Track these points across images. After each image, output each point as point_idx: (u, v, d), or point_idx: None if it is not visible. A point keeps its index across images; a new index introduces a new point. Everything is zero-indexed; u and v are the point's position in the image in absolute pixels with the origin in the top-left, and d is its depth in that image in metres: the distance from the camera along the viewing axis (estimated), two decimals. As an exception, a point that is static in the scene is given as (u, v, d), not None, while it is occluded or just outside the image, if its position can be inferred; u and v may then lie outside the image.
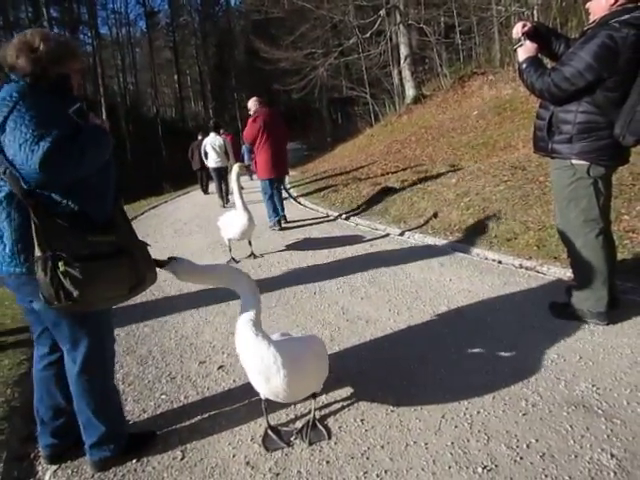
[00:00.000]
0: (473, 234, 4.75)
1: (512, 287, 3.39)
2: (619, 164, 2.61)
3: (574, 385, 2.12)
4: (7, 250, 1.68)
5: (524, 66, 2.53)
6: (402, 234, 5.37)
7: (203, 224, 7.13)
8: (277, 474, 1.80)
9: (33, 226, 1.61)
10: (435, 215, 5.55)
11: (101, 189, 1.78)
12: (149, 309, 3.70)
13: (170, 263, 1.90)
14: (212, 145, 9.54)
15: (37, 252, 1.61)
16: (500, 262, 4.01)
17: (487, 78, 14.97)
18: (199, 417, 2.23)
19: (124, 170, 28.02)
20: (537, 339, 2.59)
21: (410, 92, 18.12)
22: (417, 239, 5.14)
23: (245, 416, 2.19)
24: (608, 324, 2.62)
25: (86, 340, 1.82)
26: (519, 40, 2.59)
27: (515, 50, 2.68)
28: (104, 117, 29.36)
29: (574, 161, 2.50)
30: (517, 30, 2.59)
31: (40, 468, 2.06)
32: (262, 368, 1.76)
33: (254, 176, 7.61)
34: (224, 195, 9.65)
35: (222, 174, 9.55)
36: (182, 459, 1.96)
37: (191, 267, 1.91)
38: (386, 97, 21.99)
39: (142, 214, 10.13)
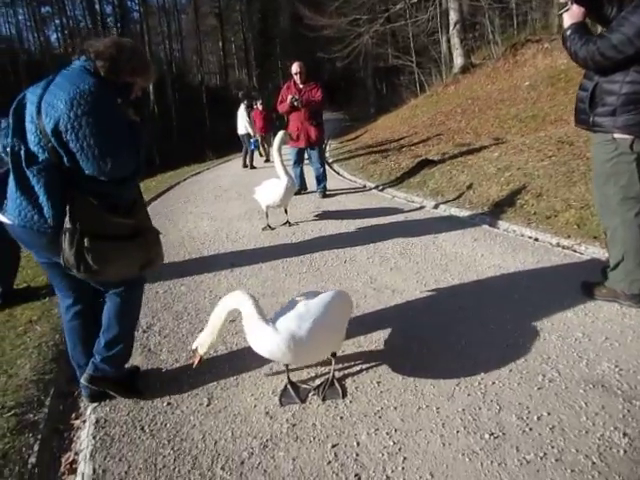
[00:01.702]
0: (511, 210, 4.64)
1: (545, 265, 3.33)
2: None
3: (596, 365, 2.11)
4: (42, 213, 1.81)
5: (568, 33, 2.41)
6: (437, 207, 5.32)
7: (242, 191, 7.28)
8: (293, 425, 1.91)
9: (69, 200, 1.77)
10: (472, 188, 5.44)
11: (130, 179, 1.94)
12: (186, 270, 3.88)
13: (199, 356, 2.01)
14: (241, 115, 11.22)
15: (67, 224, 1.77)
16: (537, 239, 3.93)
17: (542, 46, 14.13)
18: (226, 369, 2.37)
19: (170, 137, 28.71)
20: (564, 318, 2.56)
21: (458, 61, 17.39)
22: (453, 212, 5.08)
23: (268, 370, 2.31)
24: (640, 305, 2.56)
25: (126, 286, 2.08)
26: (565, 4, 2.45)
27: (561, 15, 2.55)
28: (151, 86, 29.95)
29: (616, 135, 2.39)
30: None
31: (82, 405, 2.27)
32: (265, 351, 1.90)
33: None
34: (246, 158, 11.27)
35: (245, 140, 11.28)
36: (208, 405, 2.10)
37: (207, 336, 1.99)
38: (433, 66, 21.26)
39: (185, 180, 10.41)
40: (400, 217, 5.02)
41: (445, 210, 5.21)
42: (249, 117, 11.14)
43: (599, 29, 2.52)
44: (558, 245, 3.72)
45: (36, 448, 1.95)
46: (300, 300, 2.04)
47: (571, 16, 2.44)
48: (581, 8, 2.42)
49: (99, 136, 1.72)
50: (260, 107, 11.50)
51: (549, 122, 7.74)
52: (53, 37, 37.68)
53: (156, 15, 36.84)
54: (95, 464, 1.81)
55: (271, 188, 4.82)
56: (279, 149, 4.78)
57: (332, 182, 7.46)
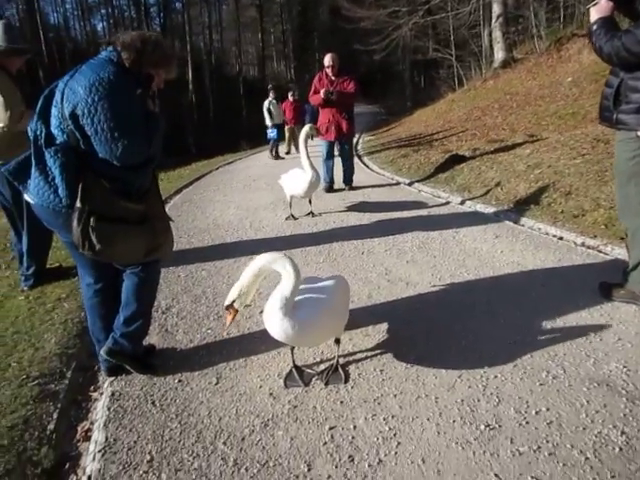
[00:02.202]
0: (537, 208, 4.54)
1: (566, 264, 3.26)
2: None
3: (603, 364, 2.07)
4: (57, 192, 1.91)
5: (594, 28, 2.35)
6: (463, 203, 5.25)
7: (271, 182, 7.37)
8: (295, 406, 1.97)
9: (82, 181, 1.86)
10: (500, 185, 5.34)
11: (143, 166, 2.01)
12: (208, 255, 3.99)
13: (233, 310, 1.98)
14: (274, 106, 11.63)
15: (77, 203, 1.86)
16: (561, 238, 3.84)
17: (588, 41, 13.59)
18: (236, 352, 2.45)
19: (207, 127, 29.23)
20: (578, 317, 2.52)
21: (499, 55, 16.94)
22: (478, 209, 5.00)
23: (276, 355, 2.38)
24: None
25: (144, 265, 2.18)
26: None
27: (588, 10, 2.48)
28: (190, 76, 30.55)
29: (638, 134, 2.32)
30: None
31: (100, 378, 2.40)
32: (284, 338, 1.95)
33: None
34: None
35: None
36: (216, 384, 2.19)
37: (237, 291, 1.97)
38: (472, 60, 20.79)
39: (217, 169, 10.62)
40: (423, 212, 4.99)
41: (470, 206, 5.14)
42: (271, 108, 11.40)
43: (627, 24, 2.43)
44: (583, 245, 3.62)
45: (55, 416, 2.08)
46: (306, 285, 2.09)
47: (598, 10, 2.37)
48: (609, 2, 2.35)
49: (112, 121, 1.80)
50: (291, 98, 11.61)
51: (589, 120, 7.46)
52: (99, 26, 38.81)
53: (198, 6, 37.44)
54: (108, 433, 1.92)
55: (296, 179, 4.88)
56: (305, 142, 4.82)
57: (360, 175, 7.46)
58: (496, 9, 16.55)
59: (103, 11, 37.56)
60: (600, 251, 3.47)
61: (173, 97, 25.11)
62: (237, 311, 1.98)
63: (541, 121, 8.63)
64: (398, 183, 6.90)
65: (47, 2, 33.24)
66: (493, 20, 16.90)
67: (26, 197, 2.07)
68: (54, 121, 1.89)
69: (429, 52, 25.06)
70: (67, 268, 3.85)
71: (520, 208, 4.69)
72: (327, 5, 37.21)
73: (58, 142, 1.88)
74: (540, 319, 2.52)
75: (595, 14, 2.38)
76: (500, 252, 3.58)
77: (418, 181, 6.78)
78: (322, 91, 5.82)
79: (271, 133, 11.48)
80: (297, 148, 11.74)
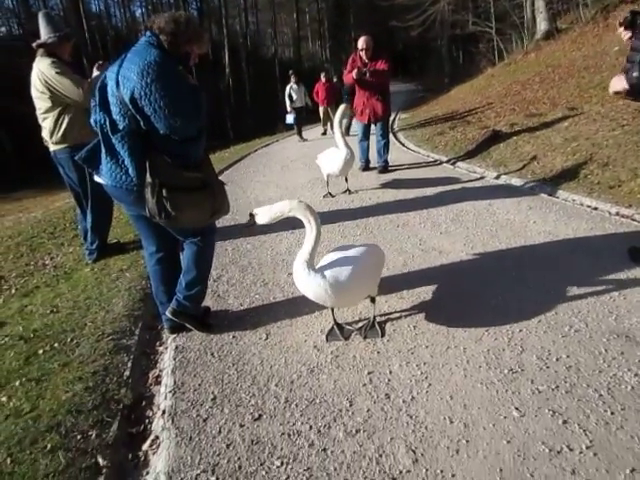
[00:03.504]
0: (574, 180, 4.57)
1: (598, 232, 3.34)
2: None
3: (624, 319, 2.21)
4: (128, 173, 2.19)
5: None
6: (498, 177, 5.31)
7: (308, 162, 7.57)
8: (336, 356, 2.22)
9: (148, 160, 2.12)
10: (537, 159, 5.35)
11: (197, 138, 2.24)
12: (251, 230, 4.26)
13: (253, 219, 2.29)
14: (294, 91, 11.66)
15: (148, 179, 2.13)
16: (596, 209, 3.89)
17: (638, 7, 12.94)
18: (282, 312, 2.72)
19: (243, 110, 29.60)
20: (604, 279, 2.64)
21: (542, 26, 16.35)
22: (513, 182, 5.06)
23: (318, 315, 2.63)
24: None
25: (201, 236, 2.45)
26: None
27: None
28: (227, 59, 30.89)
29: None
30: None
31: (164, 336, 2.72)
32: (316, 296, 2.20)
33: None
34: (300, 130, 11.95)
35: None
36: (266, 339, 2.46)
37: (266, 213, 2.26)
38: (514, 33, 20.10)
39: (255, 151, 10.91)
40: (458, 186, 5.10)
41: (505, 180, 5.20)
42: (291, 93, 11.56)
43: None
44: (617, 214, 3.67)
45: (129, 365, 2.41)
46: (338, 251, 2.32)
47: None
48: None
49: (167, 98, 2.00)
50: (324, 79, 11.76)
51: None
52: (138, 12, 39.50)
53: (233, -13, 37.46)
54: (175, 378, 2.23)
55: (331, 157, 5.06)
56: (340, 122, 4.99)
57: (396, 153, 7.55)
58: (539, -23, 15.93)
59: (142, -3, 38.18)
60: (634, 219, 3.52)
61: (211, 82, 25.55)
62: (254, 224, 2.29)
63: (584, 93, 8.39)
64: (434, 160, 6.98)
65: (89, -10, 34.05)
66: (535, -11, 16.28)
67: (98, 179, 2.37)
68: (114, 109, 2.13)
69: (468, 26, 24.34)
70: (124, 243, 4.23)
71: (556, 181, 4.72)
72: (362, -18, 36.54)
73: (121, 127, 2.13)
74: (567, 282, 2.66)
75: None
76: (533, 222, 3.68)
77: (454, 158, 6.82)
78: (354, 72, 5.79)
79: (288, 119, 11.83)
80: (332, 128, 12.00)
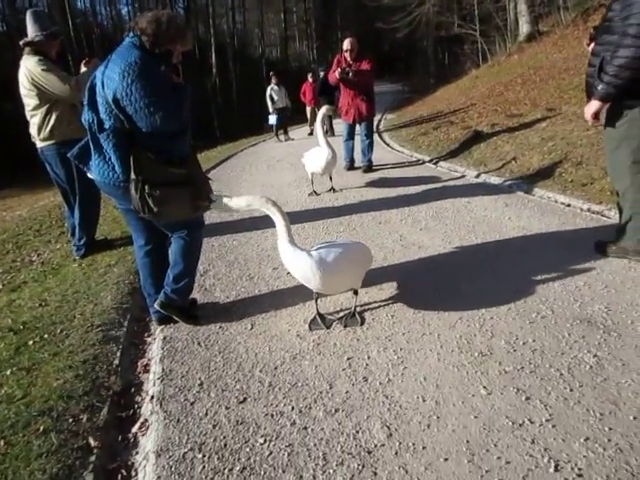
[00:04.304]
0: (549, 178, 4.75)
1: (569, 227, 3.50)
2: None
3: (588, 306, 2.36)
4: (114, 169, 2.28)
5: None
6: (478, 176, 5.48)
7: (294, 162, 7.66)
8: (318, 344, 2.33)
9: (132, 156, 2.20)
10: (515, 158, 5.53)
11: (180, 135, 2.32)
12: (238, 227, 4.36)
13: (212, 202, 2.34)
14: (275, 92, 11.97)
15: (132, 175, 2.22)
16: (569, 205, 4.06)
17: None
18: (267, 304, 2.82)
19: (231, 110, 29.56)
20: (573, 270, 2.79)
21: (524, 28, 16.68)
22: (492, 181, 5.23)
23: (302, 306, 2.74)
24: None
25: (188, 230, 2.54)
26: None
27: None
28: (213, 59, 30.81)
29: (629, 102, 2.57)
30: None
31: (152, 327, 2.80)
32: (301, 274, 2.31)
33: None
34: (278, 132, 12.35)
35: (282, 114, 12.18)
36: (251, 329, 2.56)
37: (225, 202, 2.33)
38: (497, 35, 20.42)
39: (241, 151, 10.98)
40: (439, 185, 5.25)
41: (484, 179, 5.37)
42: (272, 94, 11.87)
43: None
44: (589, 210, 3.84)
45: (119, 354, 2.49)
46: (330, 243, 2.45)
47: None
48: None
49: (146, 98, 2.09)
50: (311, 79, 11.94)
51: (609, 91, 7.48)
52: (124, 10, 39.11)
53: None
54: (164, 366, 2.32)
55: (315, 156, 5.18)
56: (322, 122, 5.10)
57: (380, 153, 7.69)
58: (521, -19, 16.24)
59: (128, -5, 37.82)
60: (603, 215, 3.70)
61: (198, 81, 25.48)
62: (210, 202, 2.33)
63: (563, 94, 8.63)
64: (417, 160, 7.13)
65: (74, -13, 33.56)
66: (518, -8, 16.59)
67: (90, 175, 2.46)
68: (101, 108, 2.21)
69: (453, 28, 24.66)
70: (112, 240, 4.30)
71: (532, 179, 4.90)
72: (349, -18, 36.75)
73: (107, 126, 2.22)
74: (537, 273, 2.81)
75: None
76: (508, 219, 3.83)
77: (436, 157, 6.99)
78: (337, 71, 5.89)
79: (270, 120, 12.06)
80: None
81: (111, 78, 2.12)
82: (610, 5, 2.61)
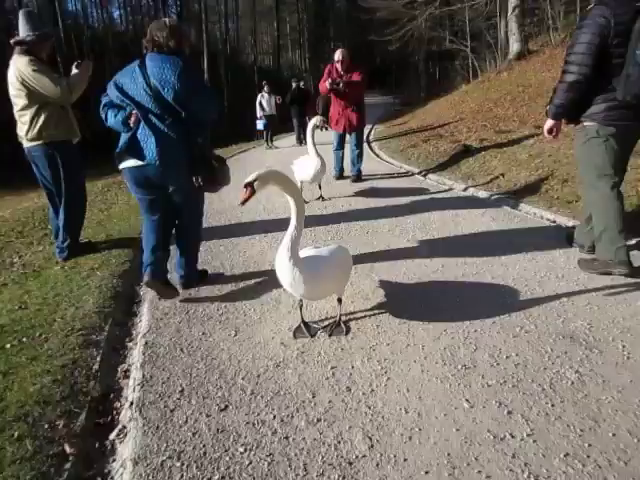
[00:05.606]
0: (535, 194, 4.81)
1: (553, 243, 3.54)
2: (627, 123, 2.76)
3: (571, 322, 2.38)
4: (179, 150, 2.70)
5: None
6: (466, 189, 5.53)
7: (284, 169, 7.65)
8: (302, 352, 2.32)
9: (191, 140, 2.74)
10: (502, 174, 5.60)
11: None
12: (225, 233, 4.35)
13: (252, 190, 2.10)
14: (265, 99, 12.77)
15: (197, 153, 2.78)
16: (554, 222, 4.12)
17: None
18: (252, 311, 2.80)
19: (221, 116, 29.54)
20: (557, 286, 2.82)
21: (514, 47, 16.94)
22: (479, 195, 5.28)
23: (286, 314, 2.72)
24: (632, 276, 2.79)
25: (197, 206, 3.13)
26: None
27: None
28: (205, 65, 30.85)
29: (585, 123, 2.83)
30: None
31: (134, 332, 2.76)
32: (291, 284, 2.28)
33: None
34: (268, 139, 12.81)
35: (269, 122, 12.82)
36: (235, 336, 2.54)
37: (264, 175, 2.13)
38: (487, 52, 20.78)
39: (231, 157, 10.94)
40: (427, 197, 5.29)
41: (472, 193, 5.42)
42: (262, 101, 12.58)
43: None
44: (573, 227, 3.89)
45: (99, 359, 2.44)
46: (311, 249, 2.44)
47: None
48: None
49: (200, 89, 2.69)
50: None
51: (595, 111, 7.65)
52: (116, 14, 39.04)
53: (214, -7, 37.55)
54: (144, 371, 2.28)
55: (304, 164, 5.20)
56: (312, 132, 5.12)
57: (370, 164, 7.72)
58: (512, 0, 16.54)
59: (120, -2, 37.80)
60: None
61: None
62: (254, 192, 2.07)
63: (550, 113, 8.80)
64: (406, 172, 7.18)
65: (65, -12, 33.39)
66: (509, 11, 16.87)
67: (133, 163, 2.76)
68: (158, 108, 2.63)
69: (445, 43, 25.03)
70: (95, 243, 4.23)
71: (519, 194, 4.96)
72: (343, -7, 37.17)
73: (169, 121, 2.66)
74: (522, 287, 2.84)
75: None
76: (494, 233, 3.88)
77: (425, 170, 7.05)
78: (327, 82, 5.93)
79: (258, 125, 12.76)
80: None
81: (166, 79, 2.60)
82: None
